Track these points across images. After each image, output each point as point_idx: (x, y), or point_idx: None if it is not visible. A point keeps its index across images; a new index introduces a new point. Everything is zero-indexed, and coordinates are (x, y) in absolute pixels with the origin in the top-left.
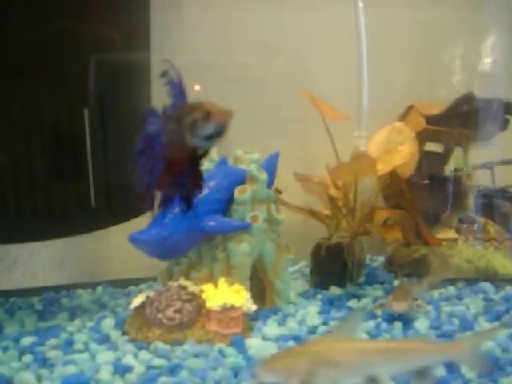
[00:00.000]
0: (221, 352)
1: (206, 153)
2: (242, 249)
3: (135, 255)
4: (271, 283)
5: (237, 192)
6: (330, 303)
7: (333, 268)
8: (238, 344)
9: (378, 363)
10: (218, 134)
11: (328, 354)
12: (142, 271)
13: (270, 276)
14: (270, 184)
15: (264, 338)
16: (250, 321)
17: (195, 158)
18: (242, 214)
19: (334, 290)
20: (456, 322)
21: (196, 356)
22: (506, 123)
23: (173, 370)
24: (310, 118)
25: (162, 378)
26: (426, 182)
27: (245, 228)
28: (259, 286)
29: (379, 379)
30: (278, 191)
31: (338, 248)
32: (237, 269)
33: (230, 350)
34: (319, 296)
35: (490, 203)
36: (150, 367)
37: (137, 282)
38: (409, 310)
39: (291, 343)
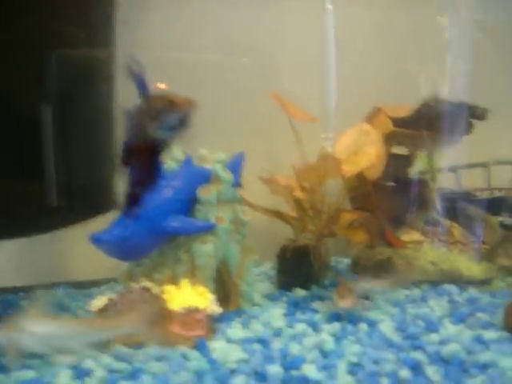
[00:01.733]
0: (184, 355)
1: (167, 145)
2: (206, 250)
3: (96, 256)
4: (235, 285)
5: (201, 192)
6: (295, 305)
7: (298, 270)
8: (201, 347)
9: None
10: (181, 123)
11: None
12: (104, 272)
13: (235, 278)
14: (235, 184)
15: (228, 341)
16: (214, 323)
17: (156, 150)
18: (206, 215)
19: (300, 292)
20: (421, 323)
21: (158, 359)
22: (470, 127)
23: (134, 374)
24: (276, 118)
25: (123, 383)
26: (391, 184)
27: (209, 229)
28: (223, 288)
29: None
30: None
31: (303, 250)
32: (201, 270)
33: (193, 353)
34: (284, 298)
35: (454, 206)
36: (110, 371)
37: (98, 283)
38: (353, 307)
39: (256, 346)
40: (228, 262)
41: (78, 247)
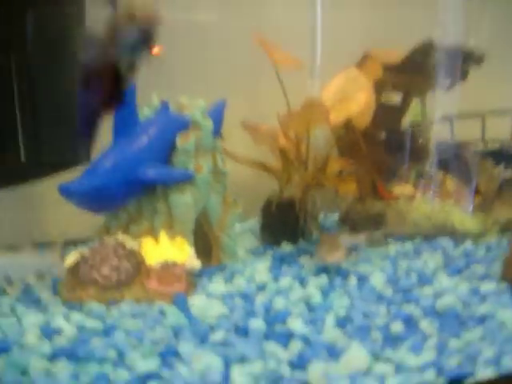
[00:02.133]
0: (161, 311)
1: (130, 67)
2: (184, 200)
3: (74, 213)
4: (217, 238)
5: (179, 139)
6: (281, 260)
7: (284, 224)
8: (180, 303)
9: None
10: (143, 41)
11: None
12: (82, 230)
13: (216, 231)
14: (215, 133)
15: (208, 296)
16: (195, 278)
17: (116, 72)
18: (184, 164)
19: (286, 247)
20: (414, 277)
21: (134, 316)
22: (465, 73)
23: (107, 332)
24: (260, 65)
25: (95, 340)
26: (383, 135)
27: (187, 178)
28: (205, 242)
29: None
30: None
31: (289, 203)
32: (179, 222)
33: (171, 309)
34: (270, 252)
35: (448, 158)
36: (82, 329)
37: (76, 242)
38: (341, 261)
39: (238, 301)
40: (208, 214)
41: (54, 205)
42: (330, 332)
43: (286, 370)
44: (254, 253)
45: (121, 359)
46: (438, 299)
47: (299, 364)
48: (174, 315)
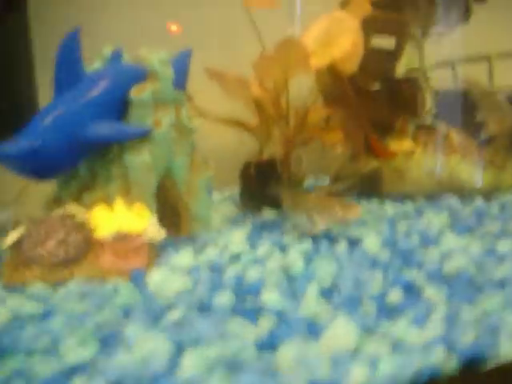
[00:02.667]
0: (115, 289)
1: None
2: (141, 160)
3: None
4: (186, 205)
5: (133, 91)
6: (262, 227)
7: (265, 188)
8: (137, 279)
9: None
10: None
11: None
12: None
13: (185, 197)
14: (179, 86)
15: (172, 270)
16: (159, 250)
17: None
18: (141, 119)
19: (268, 214)
20: (415, 238)
21: (82, 296)
22: (468, 12)
23: (45, 316)
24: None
25: (29, 328)
26: (375, 84)
27: (143, 134)
28: (173, 210)
29: None
30: (188, 97)
31: (270, 164)
32: (136, 186)
33: (125, 287)
34: (249, 220)
35: (453, 108)
36: (17, 315)
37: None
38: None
39: (205, 274)
40: (174, 178)
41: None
42: (312, 305)
43: (250, 353)
44: (231, 221)
45: (53, 348)
46: (446, 262)
47: (268, 345)
48: (127, 293)
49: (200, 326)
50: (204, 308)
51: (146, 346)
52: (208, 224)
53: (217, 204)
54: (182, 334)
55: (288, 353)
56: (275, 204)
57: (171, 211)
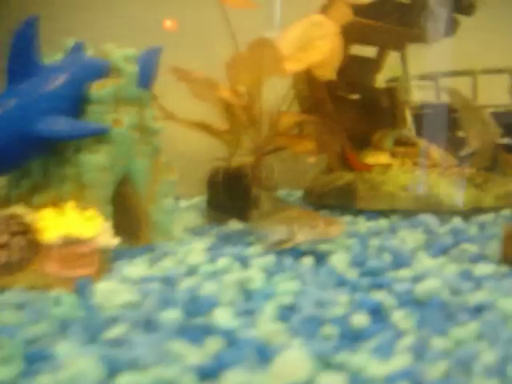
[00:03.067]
0: (57, 300)
1: None
2: (97, 161)
3: None
4: (146, 213)
5: (93, 87)
6: (226, 239)
7: (233, 197)
8: (83, 289)
9: None
10: None
11: None
12: None
13: (144, 203)
14: (145, 84)
15: (122, 281)
16: (113, 260)
17: None
18: (99, 116)
19: (235, 225)
20: (387, 257)
21: (18, 307)
22: (455, 24)
23: None
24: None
25: None
26: (354, 93)
27: (101, 133)
28: (132, 217)
29: None
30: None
31: (239, 172)
32: (91, 189)
33: (68, 298)
34: (214, 232)
35: (433, 123)
36: None
37: None
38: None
39: (157, 286)
40: (134, 182)
41: None
42: (266, 326)
43: (188, 381)
44: (194, 231)
45: None
46: (418, 284)
47: (211, 371)
48: (68, 305)
49: (140, 346)
50: (149, 325)
51: (76, 366)
52: (169, 233)
53: (182, 212)
54: (119, 354)
55: (231, 382)
56: (243, 215)
57: (130, 218)
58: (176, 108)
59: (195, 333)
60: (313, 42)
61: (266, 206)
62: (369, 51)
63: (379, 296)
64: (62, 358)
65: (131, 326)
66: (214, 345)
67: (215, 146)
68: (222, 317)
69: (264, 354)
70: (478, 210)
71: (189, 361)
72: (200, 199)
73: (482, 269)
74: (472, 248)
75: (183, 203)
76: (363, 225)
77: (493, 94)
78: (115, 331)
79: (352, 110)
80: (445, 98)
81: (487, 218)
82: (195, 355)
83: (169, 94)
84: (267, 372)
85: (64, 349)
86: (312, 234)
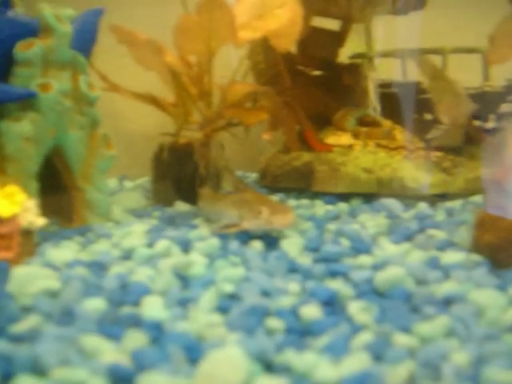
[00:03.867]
0: None
1: None
2: (19, 130)
3: None
4: (81, 192)
5: (18, 47)
6: (170, 221)
7: (179, 177)
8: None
9: None
10: None
11: None
12: None
13: (79, 181)
14: (82, 47)
15: (45, 266)
16: (40, 242)
17: None
18: (25, 80)
19: (180, 207)
20: (345, 242)
21: None
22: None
23: None
24: None
25: None
26: (314, 69)
27: (24, 98)
28: (63, 195)
29: None
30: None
31: (186, 149)
32: (12, 161)
33: None
34: (157, 213)
35: (399, 103)
36: None
37: None
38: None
39: (82, 272)
40: (66, 155)
41: None
42: (201, 319)
43: None
44: (136, 214)
45: None
46: (379, 272)
47: (125, 374)
48: None
49: (45, 344)
50: (66, 316)
51: None
52: (106, 214)
53: (125, 192)
54: (19, 352)
55: None
56: (190, 196)
57: (61, 197)
58: (120, 78)
59: (116, 326)
60: (271, 10)
61: (227, 187)
62: (332, 24)
63: (334, 285)
64: None
65: (45, 317)
66: (134, 340)
67: (167, 121)
68: (151, 307)
69: (193, 353)
70: (445, 195)
71: (101, 361)
72: (147, 179)
73: (451, 257)
74: (439, 234)
75: (128, 183)
76: (320, 208)
77: (462, 77)
78: (24, 324)
79: (312, 87)
80: (412, 77)
81: (455, 203)
82: (111, 353)
83: (111, 61)
84: (193, 375)
85: None
86: (255, 222)
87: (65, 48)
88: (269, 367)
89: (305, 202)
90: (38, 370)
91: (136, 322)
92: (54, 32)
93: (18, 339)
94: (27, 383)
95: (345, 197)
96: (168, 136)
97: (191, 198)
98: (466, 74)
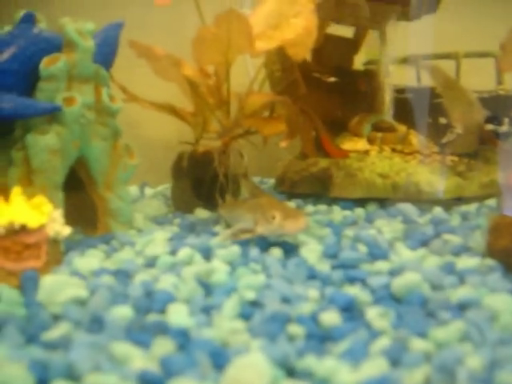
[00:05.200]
0: None
1: None
2: (45, 143)
3: None
4: (104, 200)
5: (44, 62)
6: (191, 229)
7: (199, 184)
8: (28, 284)
9: None
10: None
11: None
12: None
13: (102, 190)
14: (105, 62)
15: (72, 274)
16: (66, 252)
17: None
18: (50, 94)
19: (201, 214)
20: (362, 248)
21: None
22: (437, 1)
23: None
24: None
25: None
26: (330, 75)
27: (50, 112)
28: (86, 205)
29: None
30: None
31: (205, 157)
32: (38, 173)
33: (10, 293)
34: (178, 220)
35: (413, 108)
36: None
37: None
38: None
39: (108, 280)
40: (89, 166)
41: None
42: (225, 325)
43: None
44: (158, 221)
45: None
46: (395, 278)
47: (155, 380)
48: (7, 302)
49: (78, 351)
50: (94, 324)
51: (1, 373)
52: (128, 222)
53: (145, 200)
54: (53, 359)
55: None
56: (209, 204)
57: (85, 206)
58: (139, 89)
59: (144, 333)
60: (286, 20)
61: (245, 193)
62: (346, 31)
63: (353, 291)
64: None
65: (74, 325)
66: (162, 347)
67: (186, 130)
68: (177, 315)
69: (219, 359)
70: (460, 199)
71: (131, 367)
72: (167, 186)
73: (466, 262)
74: (454, 239)
75: (149, 191)
76: (338, 214)
77: (475, 80)
78: (56, 332)
79: (328, 94)
80: (426, 82)
81: (470, 208)
82: (139, 361)
83: (131, 74)
84: (219, 381)
85: None
86: (268, 227)
87: (88, 62)
88: (291, 372)
89: (322, 207)
90: (71, 375)
91: (162, 329)
92: (77, 47)
93: (50, 346)
94: None
95: (361, 202)
96: (187, 144)
97: (211, 204)
98: (479, 77)
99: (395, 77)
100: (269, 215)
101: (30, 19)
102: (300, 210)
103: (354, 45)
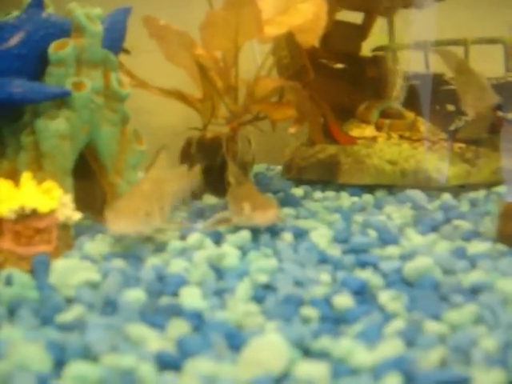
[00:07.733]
0: (8, 280)
1: None
2: (55, 128)
3: None
4: (113, 185)
5: (52, 47)
6: (200, 214)
7: (207, 170)
8: (40, 268)
9: None
10: None
11: None
12: None
13: (111, 176)
14: (114, 47)
15: (83, 258)
16: (76, 236)
17: None
18: (59, 79)
19: (209, 200)
20: (372, 233)
21: None
22: None
23: None
24: None
25: None
26: (339, 61)
27: (59, 96)
28: (96, 189)
29: None
30: (126, 52)
31: (213, 143)
32: (48, 158)
33: (22, 277)
34: (186, 206)
35: (421, 94)
36: None
37: None
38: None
39: (120, 264)
40: (99, 152)
41: None
42: (239, 308)
43: (145, 372)
44: None
45: None
46: (407, 262)
47: (172, 360)
48: (20, 285)
49: (94, 331)
50: (108, 306)
51: (19, 353)
52: None
53: None
54: (70, 340)
55: (194, 373)
56: (218, 189)
57: (94, 191)
58: (146, 75)
59: (158, 315)
60: (295, 5)
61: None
62: (355, 17)
63: (364, 275)
64: (5, 345)
65: (88, 308)
66: (178, 329)
67: (193, 116)
68: (190, 297)
69: (234, 340)
70: (468, 186)
71: (148, 348)
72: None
73: (477, 247)
74: (464, 225)
75: None
76: (346, 200)
77: (484, 67)
78: (70, 314)
79: (336, 80)
80: (434, 69)
81: (478, 194)
82: (155, 342)
83: (137, 57)
84: (237, 361)
85: (9, 334)
86: (240, 218)
87: (96, 47)
88: (307, 353)
89: (330, 194)
90: (89, 356)
91: (176, 312)
92: (86, 32)
93: (65, 328)
94: (81, 369)
95: (369, 188)
96: (195, 130)
97: (220, 190)
98: (488, 64)
99: (404, 63)
100: (239, 206)
101: (38, 4)
102: (272, 201)
103: (362, 31)
